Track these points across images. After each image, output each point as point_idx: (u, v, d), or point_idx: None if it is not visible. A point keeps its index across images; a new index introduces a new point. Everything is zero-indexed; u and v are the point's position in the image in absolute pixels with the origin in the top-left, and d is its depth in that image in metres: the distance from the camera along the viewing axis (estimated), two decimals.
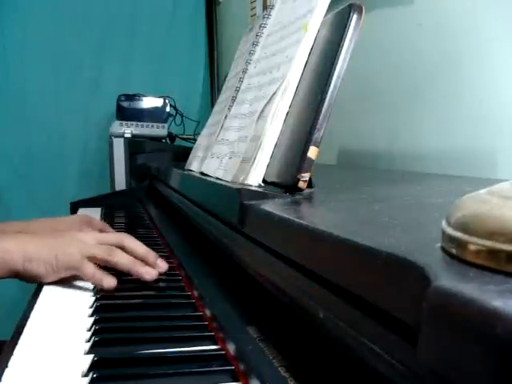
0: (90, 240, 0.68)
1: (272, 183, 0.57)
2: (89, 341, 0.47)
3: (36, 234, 0.76)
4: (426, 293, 0.20)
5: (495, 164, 0.77)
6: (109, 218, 1.23)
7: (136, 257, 0.68)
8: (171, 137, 2.02)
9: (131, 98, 2.00)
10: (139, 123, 1.89)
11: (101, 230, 0.91)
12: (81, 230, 0.86)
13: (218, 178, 0.71)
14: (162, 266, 0.69)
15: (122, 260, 0.66)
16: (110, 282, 0.64)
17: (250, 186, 0.57)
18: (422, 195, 0.55)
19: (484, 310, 0.17)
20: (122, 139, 1.74)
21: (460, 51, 0.84)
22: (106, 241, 0.69)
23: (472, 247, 0.21)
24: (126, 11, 2.29)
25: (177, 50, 2.34)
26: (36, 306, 0.59)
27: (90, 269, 0.64)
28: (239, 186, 0.54)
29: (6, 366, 0.42)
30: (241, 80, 0.81)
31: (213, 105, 1.29)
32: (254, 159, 0.59)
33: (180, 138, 2.06)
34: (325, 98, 0.51)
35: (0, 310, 1.95)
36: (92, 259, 0.65)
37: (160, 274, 0.68)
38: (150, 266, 0.68)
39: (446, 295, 0.19)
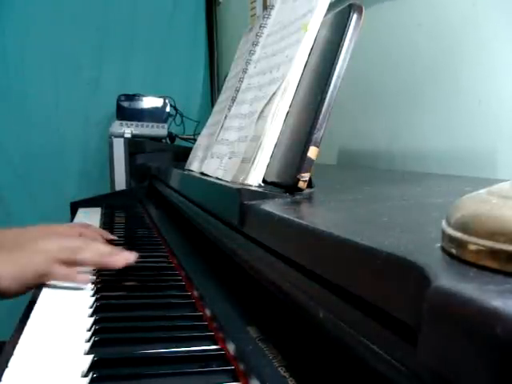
0: (52, 246, 0.68)
1: (272, 183, 0.57)
2: (89, 341, 0.47)
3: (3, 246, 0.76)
4: (426, 293, 0.20)
5: (495, 164, 0.77)
6: (109, 218, 1.23)
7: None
8: (171, 137, 2.02)
9: (131, 98, 2.00)
10: (139, 123, 1.89)
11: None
12: (79, 234, 0.86)
13: (218, 178, 0.71)
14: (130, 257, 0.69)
15: (88, 256, 0.67)
16: (83, 278, 0.66)
17: (250, 185, 0.57)
18: (422, 195, 0.55)
19: (484, 310, 0.17)
20: (121, 139, 1.74)
21: (460, 50, 0.84)
22: (69, 245, 0.69)
23: (472, 247, 0.21)
24: (125, 11, 2.29)
25: (177, 50, 2.34)
26: (36, 306, 0.59)
27: (61, 270, 0.66)
28: (239, 186, 0.54)
29: (6, 366, 0.42)
30: (241, 80, 0.81)
31: (213, 105, 1.29)
32: (254, 159, 0.59)
33: (180, 138, 2.06)
34: (325, 98, 0.51)
35: (0, 310, 1.95)
36: (59, 262, 0.66)
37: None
38: None
39: (446, 295, 0.19)
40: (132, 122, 1.88)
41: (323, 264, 0.33)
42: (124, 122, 1.88)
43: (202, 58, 2.42)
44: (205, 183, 0.74)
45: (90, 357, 0.42)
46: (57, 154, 2.21)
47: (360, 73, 1.07)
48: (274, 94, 0.61)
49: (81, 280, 0.66)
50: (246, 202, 0.49)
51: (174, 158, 1.75)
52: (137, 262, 0.78)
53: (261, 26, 0.79)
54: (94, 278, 0.69)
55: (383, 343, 0.25)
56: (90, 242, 0.72)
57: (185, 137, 2.06)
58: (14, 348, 0.46)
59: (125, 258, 0.68)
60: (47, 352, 0.46)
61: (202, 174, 0.82)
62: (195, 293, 0.60)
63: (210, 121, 0.98)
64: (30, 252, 0.67)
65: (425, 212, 0.41)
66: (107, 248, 0.71)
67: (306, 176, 0.51)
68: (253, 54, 0.80)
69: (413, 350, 0.21)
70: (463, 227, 0.22)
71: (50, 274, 0.66)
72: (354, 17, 0.51)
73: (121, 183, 1.70)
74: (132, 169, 1.71)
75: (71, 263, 0.67)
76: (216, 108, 0.98)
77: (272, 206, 0.45)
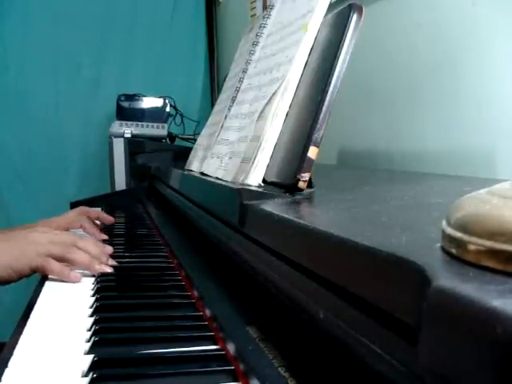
0: (43, 240, 0.70)
1: (272, 183, 0.57)
2: (89, 341, 0.47)
3: None
4: (426, 293, 0.20)
5: (495, 164, 0.77)
6: None
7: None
8: (171, 137, 2.02)
9: (131, 98, 2.00)
10: (139, 123, 1.89)
11: (98, 218, 0.99)
12: (80, 226, 0.90)
13: (218, 178, 0.71)
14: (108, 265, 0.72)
15: (79, 258, 0.69)
16: (77, 276, 0.68)
17: (250, 185, 0.57)
18: (422, 195, 0.55)
19: (484, 310, 0.17)
20: (121, 139, 1.74)
21: (459, 50, 0.84)
22: (60, 240, 0.71)
23: (472, 247, 0.21)
24: (125, 11, 2.29)
25: (177, 50, 2.34)
26: (36, 306, 0.59)
27: (55, 264, 0.67)
28: (239, 186, 0.54)
29: (6, 366, 0.42)
30: (241, 80, 0.81)
31: (213, 105, 1.29)
32: (254, 159, 0.59)
33: (180, 138, 2.06)
34: (325, 98, 0.51)
35: (0, 310, 1.95)
36: (50, 256, 0.68)
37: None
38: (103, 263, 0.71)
39: (446, 295, 0.19)
40: (132, 122, 1.88)
41: (323, 264, 0.33)
42: (124, 122, 1.88)
43: (201, 58, 2.41)
44: (205, 183, 0.74)
45: (90, 357, 0.42)
46: (57, 154, 2.21)
47: (360, 73, 1.07)
48: (274, 93, 0.61)
49: (73, 279, 0.67)
50: (245, 202, 0.49)
51: (173, 158, 1.75)
52: (137, 262, 0.78)
53: (261, 26, 0.79)
54: (94, 278, 0.69)
55: (383, 343, 0.25)
56: (82, 241, 0.72)
57: (185, 137, 2.06)
58: (13, 348, 0.46)
59: (109, 270, 0.70)
60: (47, 352, 0.46)
61: (202, 174, 0.82)
62: (195, 293, 0.60)
63: (210, 121, 0.98)
64: (22, 243, 0.69)
65: (425, 212, 0.41)
66: (97, 249, 0.73)
67: (306, 176, 0.51)
68: (253, 53, 0.80)
69: (413, 350, 0.21)
70: (463, 227, 0.22)
71: (44, 267, 0.67)
72: (354, 17, 0.51)
73: (121, 183, 1.70)
74: (132, 169, 1.71)
75: (61, 260, 0.68)
76: (216, 108, 0.98)
77: (272, 206, 0.45)
